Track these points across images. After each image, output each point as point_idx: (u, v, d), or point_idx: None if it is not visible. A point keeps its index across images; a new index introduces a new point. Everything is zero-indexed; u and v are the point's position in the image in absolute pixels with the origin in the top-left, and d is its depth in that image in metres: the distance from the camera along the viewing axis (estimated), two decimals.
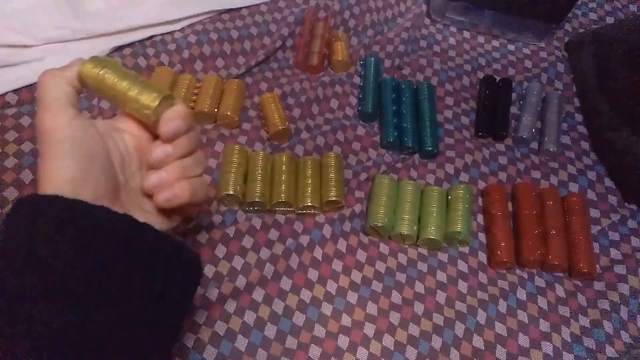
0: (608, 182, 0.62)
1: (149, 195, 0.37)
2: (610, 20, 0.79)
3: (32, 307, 0.28)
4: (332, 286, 0.51)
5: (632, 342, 0.51)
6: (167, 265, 0.34)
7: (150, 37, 0.65)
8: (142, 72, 0.62)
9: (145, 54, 0.63)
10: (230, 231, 0.52)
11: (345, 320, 0.49)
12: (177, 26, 0.67)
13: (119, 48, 0.63)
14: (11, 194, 0.50)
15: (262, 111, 0.62)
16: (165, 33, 0.66)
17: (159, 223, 0.38)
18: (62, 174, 0.31)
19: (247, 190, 0.54)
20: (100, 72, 0.36)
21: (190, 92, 0.60)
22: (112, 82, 0.36)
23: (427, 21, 0.77)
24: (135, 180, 0.38)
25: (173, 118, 0.36)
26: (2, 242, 0.30)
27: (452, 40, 0.75)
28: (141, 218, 0.33)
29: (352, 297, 0.50)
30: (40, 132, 0.32)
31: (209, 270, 0.50)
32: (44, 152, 0.32)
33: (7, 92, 0.57)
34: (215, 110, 0.60)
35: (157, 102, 0.36)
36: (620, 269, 0.55)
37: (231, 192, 0.52)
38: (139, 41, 0.64)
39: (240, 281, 0.49)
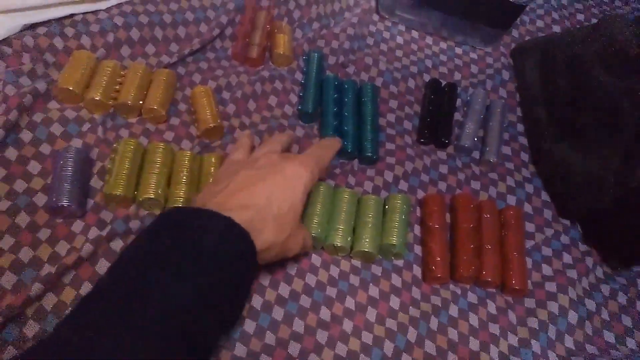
0: (544, 196, 0.62)
1: None
2: (557, 28, 0.79)
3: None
4: (257, 301, 0.47)
5: None
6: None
7: (71, 16, 0.58)
8: (58, 54, 0.56)
9: (62, 34, 0.56)
10: None
11: (270, 338, 0.46)
12: (102, 5, 0.60)
13: (32, 26, 0.56)
14: None
15: (193, 106, 0.57)
16: (87, 12, 0.59)
17: None
18: None
19: (171, 193, 0.49)
20: None
21: (113, 80, 0.55)
22: None
23: (375, 17, 0.74)
24: None
25: None
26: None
27: (399, 39, 0.73)
28: None
29: (277, 313, 0.47)
30: None
31: None
32: None
33: None
34: (141, 102, 0.55)
35: None
36: (550, 287, 0.55)
37: (152, 196, 0.48)
38: (56, 19, 0.57)
39: None
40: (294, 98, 0.63)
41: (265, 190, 0.42)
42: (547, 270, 0.56)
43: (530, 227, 0.59)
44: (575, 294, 0.54)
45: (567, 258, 0.57)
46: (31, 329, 0.41)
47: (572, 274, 0.56)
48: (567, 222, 0.61)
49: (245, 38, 0.64)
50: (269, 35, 0.66)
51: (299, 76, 0.65)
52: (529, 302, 0.54)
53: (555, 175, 0.62)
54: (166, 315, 0.31)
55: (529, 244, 0.58)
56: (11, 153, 0.48)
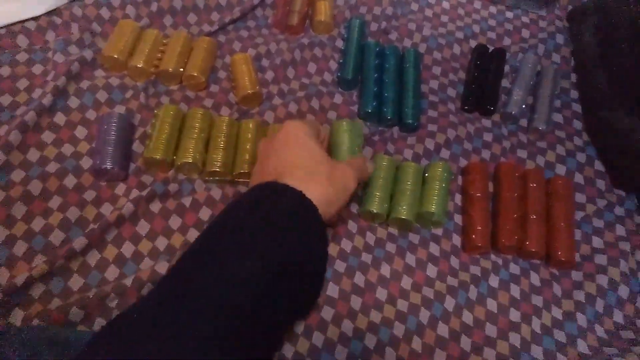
0: (598, 166, 0.58)
1: None
2: None
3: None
4: None
5: (607, 337, 0.48)
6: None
7: None
8: (105, 24, 0.57)
9: (109, 4, 0.58)
10: (187, 202, 0.49)
11: None
12: None
13: None
14: None
15: (232, 73, 0.57)
16: None
17: None
18: None
19: (208, 158, 0.50)
20: None
21: (155, 49, 0.56)
22: None
23: None
24: None
25: None
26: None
27: (445, 4, 0.70)
28: None
29: None
30: None
31: (160, 243, 0.47)
32: None
33: None
34: (181, 70, 0.56)
35: None
36: (600, 259, 0.52)
37: (190, 160, 0.49)
38: None
39: None
40: (333, 65, 0.62)
41: (279, 158, 0.42)
42: (597, 242, 0.53)
43: (581, 197, 0.56)
44: (628, 268, 0.51)
45: (620, 230, 0.54)
46: (76, 283, 0.43)
47: (625, 246, 0.53)
48: (622, 193, 0.57)
49: (286, 6, 0.64)
50: (309, 2, 0.65)
51: (339, 43, 0.64)
52: (577, 275, 0.51)
53: (613, 144, 0.58)
54: (236, 286, 0.31)
55: (579, 215, 0.55)
56: (60, 118, 0.50)
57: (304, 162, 0.40)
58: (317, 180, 0.39)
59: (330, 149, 0.50)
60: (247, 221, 0.35)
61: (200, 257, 0.33)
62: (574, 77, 0.65)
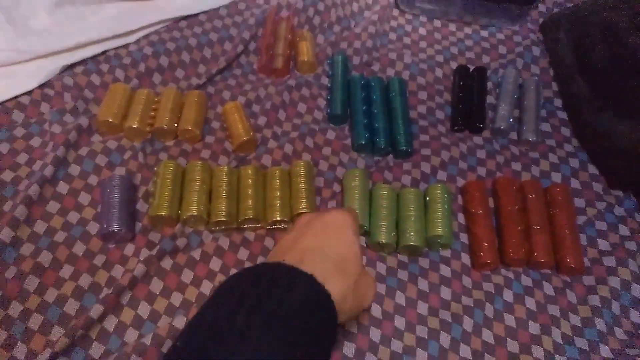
0: (592, 169, 0.60)
1: None
2: None
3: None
4: None
5: (627, 338, 0.49)
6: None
7: (104, 52, 0.62)
8: (96, 90, 0.59)
9: (98, 70, 0.60)
10: (197, 254, 0.49)
11: None
12: (132, 38, 0.63)
13: (70, 67, 0.60)
14: None
15: (226, 122, 0.59)
16: (119, 47, 0.62)
17: None
18: None
19: (212, 208, 0.51)
20: None
21: (148, 108, 0.57)
22: None
23: (395, 12, 0.74)
24: None
25: None
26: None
27: (422, 31, 0.72)
28: None
29: None
30: None
31: (175, 298, 0.47)
32: None
33: None
34: (176, 125, 0.57)
35: None
36: (609, 261, 0.53)
37: (195, 213, 0.49)
38: (91, 57, 0.61)
39: None
40: (322, 102, 0.63)
41: (316, 240, 0.39)
42: (603, 245, 0.54)
43: (580, 202, 0.57)
44: (637, 266, 0.52)
45: (623, 230, 0.55)
46: (96, 351, 0.43)
47: (631, 245, 0.53)
48: (620, 193, 0.58)
49: (269, 50, 0.66)
50: (291, 44, 0.67)
51: (325, 80, 0.66)
52: (588, 280, 0.52)
53: (602, 147, 0.60)
54: None
55: (581, 219, 0.56)
56: (62, 187, 0.51)
57: (337, 257, 0.38)
58: (342, 278, 0.37)
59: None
60: (257, 306, 0.32)
61: (204, 343, 0.31)
62: (555, 86, 0.67)
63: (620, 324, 0.49)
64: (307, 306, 0.33)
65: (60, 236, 0.48)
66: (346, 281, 0.37)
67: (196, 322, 0.32)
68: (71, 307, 0.45)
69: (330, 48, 0.68)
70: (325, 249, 0.38)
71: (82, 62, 0.60)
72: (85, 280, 0.46)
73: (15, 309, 0.43)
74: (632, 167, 0.56)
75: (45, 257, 0.46)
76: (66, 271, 0.46)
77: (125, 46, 0.63)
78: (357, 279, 0.38)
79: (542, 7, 0.74)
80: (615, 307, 0.50)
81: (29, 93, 0.57)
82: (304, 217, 0.43)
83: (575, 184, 0.59)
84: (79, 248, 0.48)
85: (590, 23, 0.64)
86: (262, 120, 0.60)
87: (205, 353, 0.29)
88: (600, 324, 0.49)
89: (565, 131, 0.63)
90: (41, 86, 0.57)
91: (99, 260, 0.48)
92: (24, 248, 0.46)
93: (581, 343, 0.48)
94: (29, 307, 0.44)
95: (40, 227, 0.48)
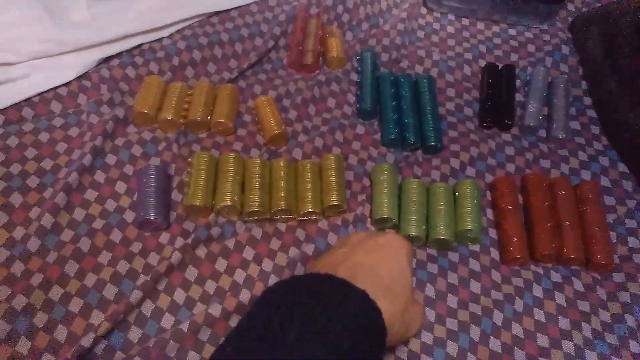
0: (622, 167, 0.60)
1: None
2: None
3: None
4: None
5: None
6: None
7: (139, 46, 0.63)
8: (131, 82, 0.60)
9: (133, 63, 0.61)
10: (230, 243, 0.50)
11: None
12: (165, 33, 0.65)
13: (107, 59, 0.61)
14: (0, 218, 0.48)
15: (257, 115, 0.60)
16: (153, 41, 0.64)
17: None
18: None
19: (245, 199, 0.52)
20: None
21: (182, 100, 0.58)
22: None
23: (423, 10, 0.75)
24: None
25: None
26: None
27: (450, 29, 0.73)
28: None
29: None
30: None
31: (210, 286, 0.48)
32: None
33: None
34: (209, 117, 0.58)
35: None
36: (639, 259, 0.52)
37: (229, 203, 0.50)
38: (126, 51, 0.62)
39: (244, 295, 0.46)
40: (351, 98, 0.64)
41: (369, 259, 0.39)
42: (633, 242, 0.54)
43: (610, 200, 0.57)
44: None
45: None
46: (135, 335, 0.44)
47: None
48: None
49: (299, 46, 0.67)
50: (321, 40, 0.68)
51: (354, 76, 0.66)
52: (618, 277, 0.52)
53: (632, 145, 0.60)
54: None
55: (611, 217, 0.56)
56: (100, 176, 0.52)
57: (389, 279, 0.38)
58: (392, 301, 0.36)
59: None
60: (311, 316, 0.32)
61: (255, 350, 0.31)
62: (584, 85, 0.67)
63: None
64: (359, 321, 0.33)
65: (98, 223, 0.49)
66: (395, 305, 0.37)
67: (247, 326, 0.32)
68: (110, 292, 0.46)
69: (359, 45, 0.69)
70: (378, 269, 0.38)
71: (118, 55, 0.62)
72: (122, 267, 0.47)
73: (56, 292, 0.45)
74: None
75: (84, 243, 0.48)
76: (104, 257, 0.48)
77: (159, 40, 0.64)
78: (406, 306, 0.38)
79: (571, 7, 0.74)
80: None
81: (66, 84, 0.58)
82: (356, 235, 0.43)
83: (605, 182, 0.59)
84: (116, 235, 0.49)
85: (621, 23, 0.64)
86: (292, 114, 0.61)
87: None
88: (630, 320, 0.49)
89: (595, 129, 0.63)
90: (79, 78, 0.59)
91: (136, 247, 0.49)
92: (64, 234, 0.48)
93: (611, 339, 0.48)
94: (69, 291, 0.45)
95: (79, 214, 0.49)
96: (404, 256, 0.40)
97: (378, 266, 0.38)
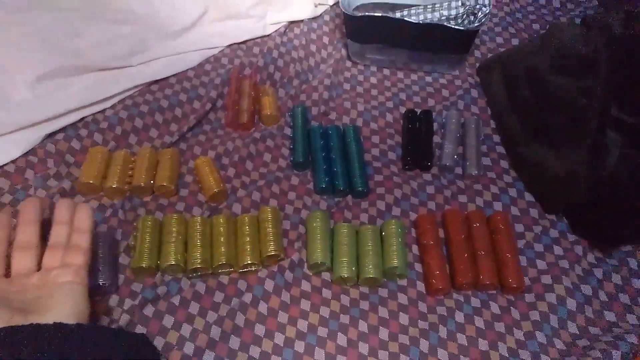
0: (528, 197, 0.67)
1: None
2: (515, 41, 0.85)
3: None
4: (279, 338, 0.53)
5: (565, 348, 0.55)
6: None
7: (82, 119, 0.67)
8: (77, 154, 0.64)
9: (78, 135, 0.65)
10: (176, 300, 0.54)
11: None
12: (108, 104, 0.69)
13: (51, 134, 0.65)
14: None
15: (198, 175, 0.65)
16: (96, 112, 0.68)
17: None
18: None
19: (189, 257, 0.56)
20: None
21: (125, 168, 0.63)
22: None
23: (348, 64, 0.82)
24: None
25: None
26: None
27: (373, 79, 0.80)
28: None
29: (299, 346, 0.53)
30: None
31: (158, 343, 0.51)
32: None
33: None
34: (152, 182, 0.62)
35: None
36: (546, 279, 0.59)
37: (172, 262, 0.55)
38: (70, 124, 0.66)
39: (189, 347, 0.50)
40: (285, 151, 0.70)
41: None
42: (541, 264, 0.61)
43: (519, 227, 0.64)
44: (570, 282, 0.59)
45: (557, 250, 0.62)
46: None
47: (564, 264, 0.60)
48: (554, 217, 0.65)
49: (235, 106, 0.72)
50: (255, 99, 0.73)
51: (287, 131, 0.72)
52: (529, 297, 0.58)
53: (533, 176, 0.67)
54: None
55: (521, 243, 0.63)
56: None
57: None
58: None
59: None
60: None
61: None
62: (492, 124, 0.74)
63: (559, 335, 0.56)
64: None
65: None
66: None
67: None
68: None
69: (290, 101, 0.75)
70: None
71: (63, 129, 0.66)
72: None
73: None
74: (558, 193, 0.63)
75: None
76: None
77: (102, 111, 0.68)
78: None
79: (477, 53, 0.83)
80: (554, 320, 0.56)
81: (13, 161, 0.62)
82: None
83: (514, 211, 0.66)
84: None
85: (517, 67, 0.72)
86: (231, 172, 0.66)
87: None
88: (540, 337, 0.55)
89: (504, 164, 0.70)
90: (25, 154, 0.62)
91: None
92: None
93: (525, 355, 0.54)
94: None
95: None
96: None
97: None
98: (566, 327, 0.56)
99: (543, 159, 0.66)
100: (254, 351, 0.52)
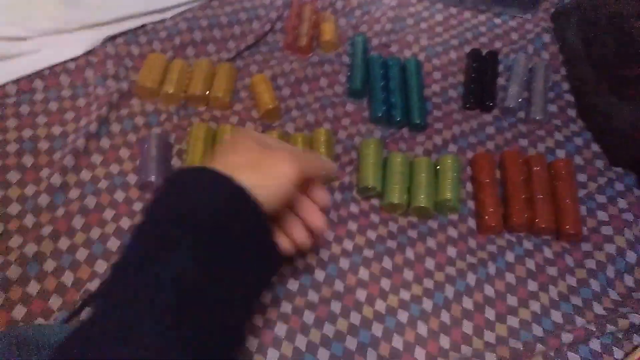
0: (595, 148, 0.63)
1: None
2: None
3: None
4: (324, 253, 0.52)
5: (620, 299, 0.52)
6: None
7: (142, 26, 0.67)
8: (135, 59, 0.64)
9: (137, 41, 0.65)
10: None
11: (339, 285, 0.50)
12: (168, 14, 0.69)
13: (112, 38, 0.65)
14: (13, 176, 0.52)
15: (253, 92, 0.64)
16: (156, 22, 0.68)
17: None
18: None
19: None
20: None
21: (182, 76, 0.62)
22: None
23: (413, 0, 0.79)
24: None
25: None
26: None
27: (439, 17, 0.76)
28: None
29: (344, 263, 0.52)
30: None
31: None
32: None
33: (6, 83, 0.59)
34: (207, 92, 0.62)
35: None
36: (606, 230, 0.56)
37: None
38: (131, 30, 0.66)
39: None
40: (342, 78, 0.68)
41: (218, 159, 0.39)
42: (602, 215, 0.58)
43: (582, 177, 0.61)
44: (633, 235, 0.56)
45: (622, 203, 0.58)
46: None
47: (628, 216, 0.57)
48: (621, 170, 0.62)
49: (295, 30, 0.70)
50: (315, 25, 0.71)
51: (345, 59, 0.70)
52: (586, 246, 0.56)
53: (604, 127, 0.63)
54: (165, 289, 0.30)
55: (582, 192, 0.60)
56: (105, 142, 0.56)
57: (236, 158, 0.38)
58: (244, 169, 0.36)
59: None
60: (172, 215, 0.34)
61: (135, 254, 0.33)
62: (563, 71, 0.70)
63: (614, 286, 0.53)
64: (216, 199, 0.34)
65: (103, 184, 0.53)
66: (246, 168, 0.36)
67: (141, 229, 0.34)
68: (113, 244, 0.50)
69: (351, 30, 0.73)
70: (226, 157, 0.39)
71: (123, 33, 0.66)
72: (125, 222, 0.51)
73: (64, 243, 0.48)
74: (629, 146, 0.60)
75: (90, 201, 0.52)
76: (108, 214, 0.52)
77: (162, 21, 0.68)
78: (259, 158, 0.37)
79: None
80: (610, 271, 0.54)
81: (74, 59, 0.62)
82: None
83: (578, 160, 0.62)
84: (119, 195, 0.53)
85: (599, 13, 0.67)
86: (286, 92, 0.65)
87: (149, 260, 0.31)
88: (595, 285, 0.53)
89: (572, 112, 0.67)
90: (86, 54, 0.63)
91: (137, 206, 0.53)
92: (72, 192, 0.52)
93: (576, 301, 0.52)
94: (76, 242, 0.49)
95: (85, 175, 0.53)
96: (248, 138, 0.40)
97: (229, 155, 0.39)
98: (623, 279, 0.53)
99: (615, 111, 0.62)
100: (300, 263, 0.52)
